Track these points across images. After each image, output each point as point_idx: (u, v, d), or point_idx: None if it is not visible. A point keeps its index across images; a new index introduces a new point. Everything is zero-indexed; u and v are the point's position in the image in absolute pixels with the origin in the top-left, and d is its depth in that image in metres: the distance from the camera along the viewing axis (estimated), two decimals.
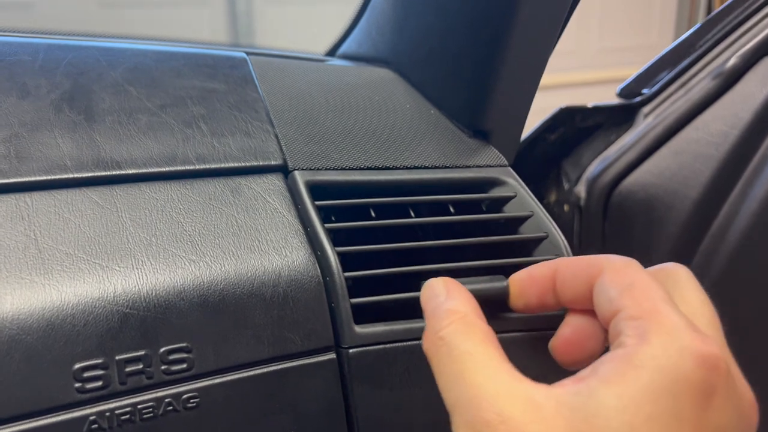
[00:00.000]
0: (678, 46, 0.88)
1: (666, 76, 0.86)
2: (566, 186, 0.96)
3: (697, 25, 0.86)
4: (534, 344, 0.50)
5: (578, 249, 0.94)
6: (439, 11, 0.60)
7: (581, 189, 0.91)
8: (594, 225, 0.91)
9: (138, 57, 0.63)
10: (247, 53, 0.68)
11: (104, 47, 0.64)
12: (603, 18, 3.70)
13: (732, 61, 0.80)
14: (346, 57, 0.78)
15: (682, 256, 0.84)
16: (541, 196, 1.03)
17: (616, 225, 0.90)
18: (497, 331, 0.49)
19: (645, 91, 0.89)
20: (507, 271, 0.53)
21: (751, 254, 0.80)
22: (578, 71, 3.60)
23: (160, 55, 0.65)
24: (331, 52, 0.82)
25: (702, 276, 0.83)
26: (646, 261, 0.87)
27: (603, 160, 0.90)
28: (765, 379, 0.84)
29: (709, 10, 3.32)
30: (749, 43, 0.79)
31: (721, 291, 0.82)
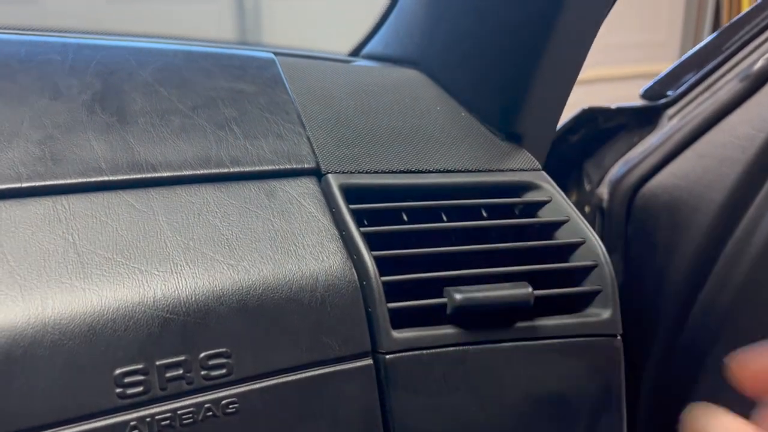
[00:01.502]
0: (703, 48, 0.87)
1: (691, 78, 0.85)
2: (588, 187, 0.96)
3: (723, 27, 0.86)
4: (565, 351, 0.50)
5: None
6: (476, 16, 0.59)
7: (604, 191, 0.91)
8: (616, 227, 0.90)
9: (166, 57, 0.63)
10: (275, 53, 0.68)
11: (132, 47, 0.64)
12: (610, 14, 3.68)
13: (760, 64, 0.79)
14: (372, 57, 0.78)
15: (706, 261, 0.84)
16: None
17: (639, 228, 0.90)
18: (525, 339, 0.49)
19: (669, 93, 0.88)
20: (542, 276, 0.52)
21: None
22: (585, 68, 3.59)
23: (188, 55, 0.64)
24: (356, 52, 0.82)
25: (725, 281, 0.82)
26: (669, 264, 0.87)
27: (626, 162, 0.89)
28: None
29: (717, 6, 3.30)
30: None
31: (745, 297, 0.81)
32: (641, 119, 0.90)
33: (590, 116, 0.93)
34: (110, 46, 0.63)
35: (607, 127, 0.94)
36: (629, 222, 0.90)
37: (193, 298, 0.44)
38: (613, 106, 0.91)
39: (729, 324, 0.82)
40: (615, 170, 0.91)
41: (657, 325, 0.90)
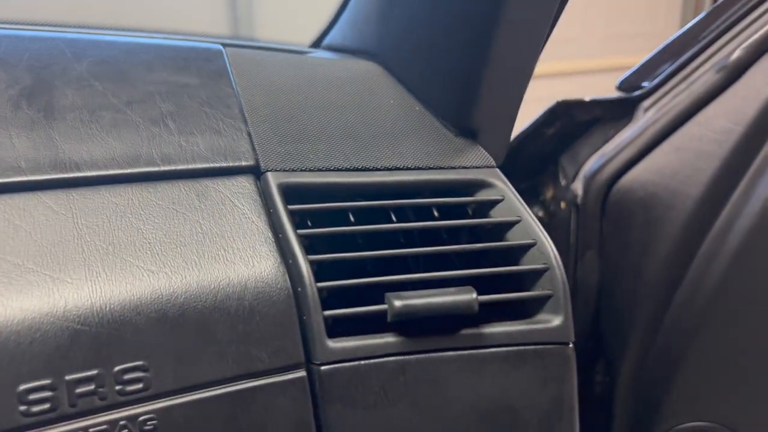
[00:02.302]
0: (680, 37, 0.84)
1: (667, 69, 0.82)
2: (563, 182, 0.93)
3: (701, 16, 0.82)
4: (515, 360, 0.47)
5: (575, 248, 0.91)
6: (425, 3, 0.56)
7: (578, 186, 0.88)
8: (591, 224, 0.87)
9: (107, 49, 0.60)
10: (224, 44, 0.65)
11: (71, 39, 0.61)
12: (608, 4, 3.64)
13: (736, 54, 0.76)
14: (332, 48, 0.75)
15: (682, 259, 0.81)
16: (537, 193, 0.99)
17: (613, 224, 0.87)
18: (471, 347, 0.46)
19: (645, 84, 0.85)
20: (492, 280, 0.50)
21: (754, 258, 0.76)
22: (583, 59, 3.55)
23: (130, 47, 0.61)
24: (317, 43, 0.79)
25: (701, 281, 0.79)
26: (645, 262, 0.84)
27: (601, 157, 0.86)
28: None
29: None
30: (755, 34, 0.75)
31: (722, 297, 0.79)
32: (617, 112, 0.87)
33: (565, 109, 0.90)
34: (47, 38, 0.60)
35: (583, 120, 0.90)
36: (604, 218, 0.87)
37: (108, 308, 0.41)
38: (588, 98, 0.88)
39: (705, 324, 0.80)
40: (589, 165, 0.88)
41: (633, 325, 0.87)
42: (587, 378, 0.96)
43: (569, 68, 3.40)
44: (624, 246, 0.85)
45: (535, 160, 0.97)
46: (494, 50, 0.51)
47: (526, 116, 0.95)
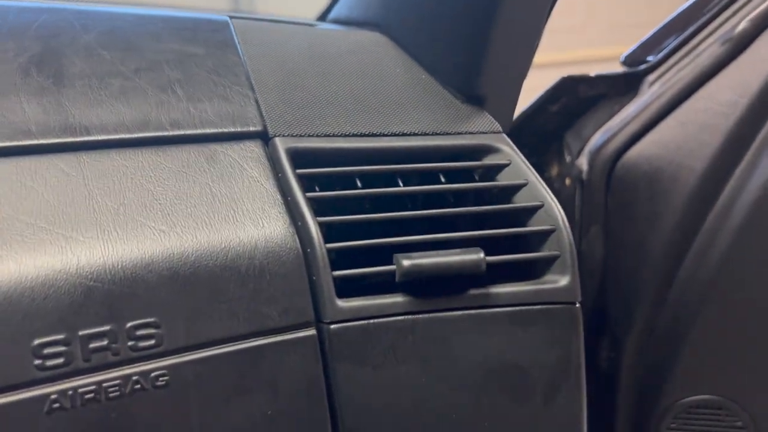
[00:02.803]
0: (685, 11, 0.84)
1: (672, 42, 0.82)
2: (568, 159, 0.93)
3: None
4: (523, 320, 0.47)
5: (580, 223, 0.91)
6: None
7: (583, 161, 0.88)
8: (596, 198, 0.87)
9: (114, 20, 0.60)
10: (231, 17, 0.65)
11: (79, 10, 0.61)
12: None
13: (742, 26, 0.76)
14: (337, 21, 0.75)
15: (686, 232, 0.81)
16: (542, 170, 0.99)
17: (618, 199, 0.87)
18: (478, 307, 0.47)
19: (650, 58, 0.85)
20: (499, 242, 0.50)
21: (758, 230, 0.76)
22: (589, 47, 3.54)
23: (138, 19, 0.61)
24: (322, 17, 0.79)
25: (706, 254, 0.79)
26: (650, 236, 0.84)
27: (606, 132, 0.86)
28: None
29: None
30: (760, 6, 0.75)
31: (726, 269, 0.79)
32: (621, 86, 0.87)
33: (570, 85, 0.90)
34: (55, 8, 0.60)
35: (588, 96, 0.91)
36: (609, 193, 0.87)
37: (120, 265, 0.42)
38: (593, 73, 0.88)
39: (711, 295, 0.80)
40: (594, 140, 0.88)
41: (638, 299, 0.87)
42: (592, 353, 0.97)
43: (573, 58, 3.39)
44: (629, 220, 0.85)
45: (539, 138, 0.97)
46: (501, 13, 0.51)
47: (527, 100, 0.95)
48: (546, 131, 0.95)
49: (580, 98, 0.91)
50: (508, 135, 0.96)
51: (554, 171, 0.97)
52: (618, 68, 0.90)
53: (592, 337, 0.96)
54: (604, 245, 0.89)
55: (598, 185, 0.86)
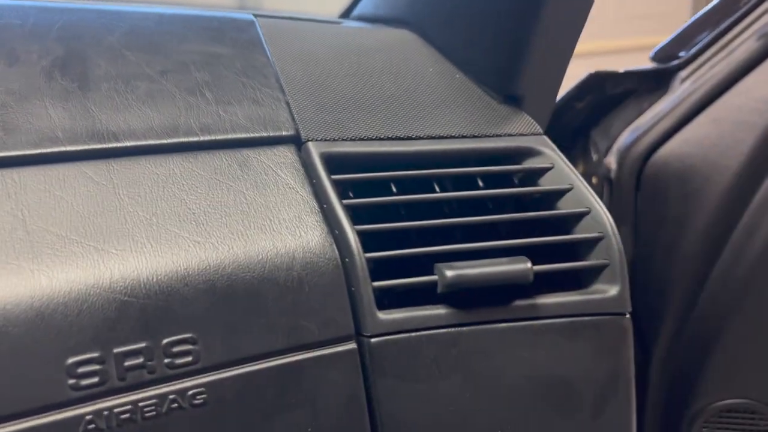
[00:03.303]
0: (719, 5, 0.81)
1: (706, 37, 0.80)
2: (595, 157, 0.91)
3: None
4: (571, 331, 0.45)
5: None
6: None
7: (612, 160, 0.86)
8: (625, 198, 0.85)
9: (137, 20, 0.58)
10: (255, 15, 0.63)
11: (100, 9, 0.59)
12: None
13: None
14: (362, 19, 0.73)
15: (720, 233, 0.79)
16: None
17: (649, 198, 0.85)
18: (525, 318, 0.45)
19: (682, 54, 0.83)
20: (543, 250, 0.48)
21: None
22: (596, 39, 3.50)
23: (161, 18, 0.59)
24: (346, 14, 0.77)
25: (741, 253, 0.77)
26: (681, 236, 0.82)
27: (635, 129, 0.84)
28: None
29: None
30: None
31: (761, 271, 0.77)
32: (651, 83, 0.85)
33: (597, 81, 0.88)
34: (76, 8, 0.58)
35: (615, 93, 0.88)
36: (639, 193, 0.85)
37: (155, 279, 0.40)
38: (622, 70, 0.86)
39: (746, 297, 0.78)
40: (623, 138, 0.85)
41: (668, 301, 0.85)
42: None
43: (582, 50, 3.35)
44: (660, 221, 0.83)
45: (565, 136, 0.94)
46: (545, 13, 0.49)
47: None
48: (572, 128, 0.93)
49: (608, 95, 0.88)
50: None
51: (580, 169, 0.95)
52: (626, 58, 0.88)
53: None
54: (634, 246, 0.87)
55: (627, 185, 0.84)
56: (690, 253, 0.81)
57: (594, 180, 0.91)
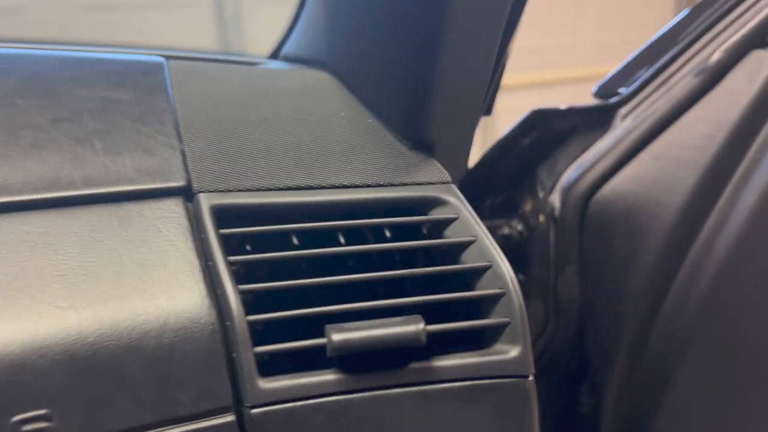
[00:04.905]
0: (658, 41, 0.80)
1: (645, 74, 0.78)
2: (541, 194, 0.89)
3: (678, 17, 0.79)
4: (469, 396, 0.42)
5: (555, 263, 0.86)
6: (368, 6, 0.52)
7: (555, 198, 0.84)
8: (570, 237, 0.83)
9: (37, 64, 0.56)
10: (167, 57, 0.61)
11: (1, 54, 0.57)
12: (601, 12, 3.61)
13: (716, 56, 0.72)
14: (287, 59, 0.71)
15: (667, 270, 0.77)
16: (516, 205, 0.95)
17: (593, 237, 0.82)
18: (420, 383, 0.42)
19: (622, 90, 0.81)
20: (448, 307, 0.45)
21: (742, 267, 0.72)
22: (576, 67, 3.52)
23: (63, 62, 0.57)
24: (275, 54, 0.75)
25: (688, 291, 0.75)
26: (628, 275, 0.80)
27: (578, 167, 0.82)
28: (763, 396, 0.76)
29: None
30: (735, 34, 0.71)
31: (711, 307, 0.74)
32: (594, 120, 0.83)
33: (541, 117, 0.86)
34: None
35: (561, 129, 0.86)
36: (583, 231, 0.83)
37: (7, 351, 0.37)
38: (564, 106, 0.84)
39: (694, 336, 0.75)
40: (567, 176, 0.84)
41: (618, 341, 0.83)
42: (573, 398, 0.92)
43: (563, 77, 3.36)
44: (606, 259, 0.81)
45: (513, 172, 0.92)
46: (440, 54, 0.47)
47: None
48: (519, 165, 0.91)
49: (553, 131, 0.87)
50: (480, 169, 0.92)
51: (528, 206, 0.93)
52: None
53: (571, 382, 0.91)
54: (581, 286, 0.85)
55: (571, 223, 0.82)
56: (638, 293, 0.79)
57: (541, 218, 0.89)
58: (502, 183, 0.93)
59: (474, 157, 0.82)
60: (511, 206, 0.94)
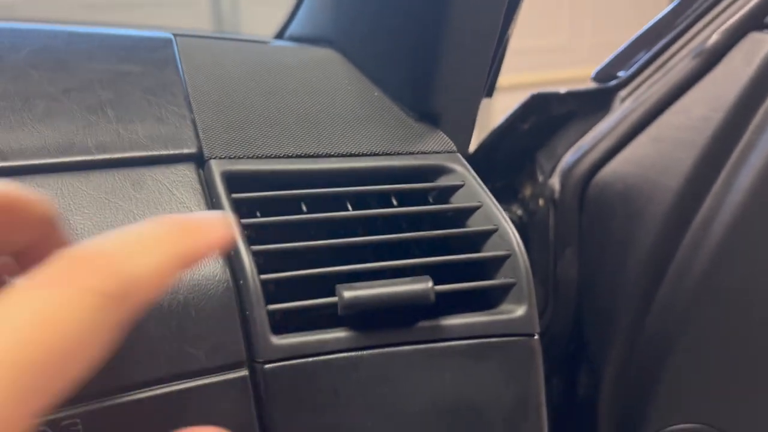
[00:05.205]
0: (656, 24, 0.81)
1: (643, 57, 0.80)
2: (541, 179, 0.90)
3: (676, 1, 0.80)
4: (477, 354, 0.43)
5: (554, 245, 0.87)
6: None
7: (555, 181, 0.85)
8: (569, 219, 0.84)
9: (47, 38, 0.57)
10: (175, 35, 0.61)
11: (11, 28, 0.58)
12: (596, 13, 3.64)
13: (714, 38, 0.73)
14: (293, 39, 0.72)
15: (664, 252, 0.78)
16: (516, 191, 0.96)
17: (593, 219, 0.83)
18: (428, 341, 0.43)
19: (621, 73, 0.82)
20: (456, 269, 0.46)
21: (737, 249, 0.73)
22: (572, 67, 3.54)
23: (72, 37, 0.58)
24: (280, 35, 0.76)
25: (684, 274, 0.76)
26: (626, 257, 0.81)
27: (577, 150, 0.83)
28: (760, 380, 0.77)
29: None
30: (732, 17, 0.72)
31: (706, 290, 0.75)
32: (593, 103, 0.84)
33: (540, 102, 0.87)
34: None
35: (560, 113, 0.88)
36: (583, 214, 0.84)
37: None
38: (563, 90, 0.85)
39: (691, 318, 0.76)
40: (566, 159, 0.85)
41: (616, 324, 0.84)
42: (571, 382, 0.93)
43: (559, 77, 3.39)
44: (604, 241, 0.82)
45: (512, 157, 0.94)
46: (449, 22, 0.48)
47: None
48: (518, 150, 0.92)
49: (552, 115, 0.88)
50: (480, 155, 0.93)
51: (528, 191, 0.94)
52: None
53: (569, 365, 0.92)
54: (580, 267, 0.86)
55: (570, 206, 0.83)
56: (635, 275, 0.80)
57: (541, 202, 0.90)
58: (502, 168, 0.94)
59: (473, 146, 0.84)
60: (510, 192, 0.95)
